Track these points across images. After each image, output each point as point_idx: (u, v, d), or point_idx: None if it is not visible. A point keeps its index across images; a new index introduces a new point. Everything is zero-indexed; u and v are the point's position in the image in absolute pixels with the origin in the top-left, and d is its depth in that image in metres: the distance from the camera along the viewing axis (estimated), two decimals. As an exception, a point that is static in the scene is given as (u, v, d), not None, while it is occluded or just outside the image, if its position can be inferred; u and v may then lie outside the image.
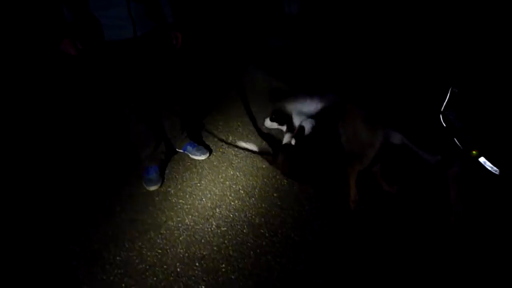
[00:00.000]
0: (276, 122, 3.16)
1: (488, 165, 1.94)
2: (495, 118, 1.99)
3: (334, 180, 2.84)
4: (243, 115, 3.61)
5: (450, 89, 2.05)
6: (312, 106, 3.00)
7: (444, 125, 2.03)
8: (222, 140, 3.37)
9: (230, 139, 3.37)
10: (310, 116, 2.97)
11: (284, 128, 3.16)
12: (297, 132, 2.93)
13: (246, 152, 3.17)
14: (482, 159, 1.95)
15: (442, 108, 2.04)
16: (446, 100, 2.03)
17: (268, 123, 3.20)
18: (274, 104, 3.41)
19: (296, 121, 2.99)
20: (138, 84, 2.61)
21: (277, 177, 2.94)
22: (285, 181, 2.89)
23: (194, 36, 4.09)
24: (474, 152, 1.95)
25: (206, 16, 5.66)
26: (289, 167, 2.84)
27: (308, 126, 2.91)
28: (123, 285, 2.32)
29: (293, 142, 2.89)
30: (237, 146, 3.24)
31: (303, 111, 3.01)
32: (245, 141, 3.15)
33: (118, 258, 2.48)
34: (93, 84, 3.59)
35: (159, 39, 2.60)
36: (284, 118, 3.03)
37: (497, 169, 1.92)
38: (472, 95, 2.05)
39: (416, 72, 3.29)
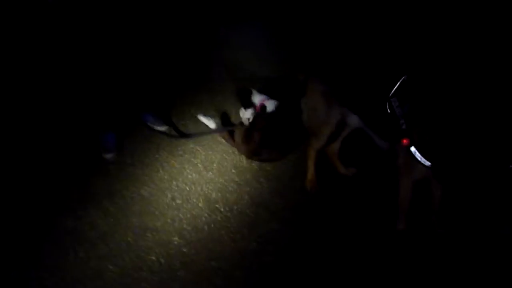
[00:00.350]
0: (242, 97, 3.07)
1: (418, 155, 1.97)
2: (432, 109, 2.03)
3: (293, 159, 2.85)
4: (211, 89, 3.54)
5: (403, 77, 2.08)
6: (274, 85, 2.98)
7: (388, 111, 2.06)
8: (183, 112, 3.29)
9: (192, 111, 3.30)
10: (273, 95, 2.93)
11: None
12: (259, 110, 2.90)
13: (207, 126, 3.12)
14: (412, 149, 1.98)
15: (390, 94, 2.07)
16: (395, 87, 2.06)
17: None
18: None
19: (257, 99, 2.95)
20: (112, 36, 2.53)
21: (236, 153, 2.93)
22: (244, 158, 2.88)
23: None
24: (404, 141, 1.99)
25: None
26: (248, 145, 2.80)
27: (270, 104, 2.88)
28: (71, 252, 2.27)
29: (249, 119, 2.84)
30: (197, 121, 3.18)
31: (266, 90, 2.97)
32: (206, 117, 3.07)
33: (68, 225, 2.42)
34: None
35: None
36: (246, 96, 2.97)
37: (426, 161, 1.96)
38: (415, 85, 2.08)
39: (380, 56, 3.34)
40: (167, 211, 2.52)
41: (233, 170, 2.80)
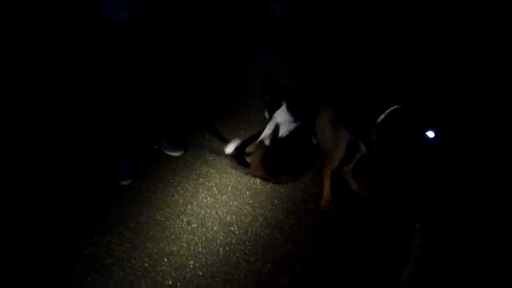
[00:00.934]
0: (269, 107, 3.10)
1: None
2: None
3: (306, 181, 2.86)
4: (222, 113, 3.61)
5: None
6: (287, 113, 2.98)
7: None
8: (197, 137, 3.35)
9: (207, 136, 3.36)
10: (288, 119, 2.94)
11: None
12: (274, 131, 2.91)
13: (221, 149, 3.16)
14: None
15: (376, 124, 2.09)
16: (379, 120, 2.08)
17: (266, 114, 3.11)
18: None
19: (280, 117, 2.96)
20: (126, 70, 2.59)
21: (250, 176, 2.94)
22: (258, 180, 2.90)
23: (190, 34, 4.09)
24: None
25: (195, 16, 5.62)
26: (263, 166, 2.82)
27: (284, 126, 2.90)
28: (89, 279, 2.30)
29: (267, 142, 2.86)
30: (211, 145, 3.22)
31: (282, 114, 2.98)
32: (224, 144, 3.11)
33: (85, 252, 2.45)
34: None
35: (154, 27, 2.63)
36: (276, 105, 2.97)
37: None
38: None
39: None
40: (183, 235, 2.53)
41: (247, 193, 2.81)
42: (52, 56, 3.43)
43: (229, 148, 3.01)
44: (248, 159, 2.94)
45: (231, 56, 4.61)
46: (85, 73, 2.70)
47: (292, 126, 2.87)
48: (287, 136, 2.83)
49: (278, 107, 2.93)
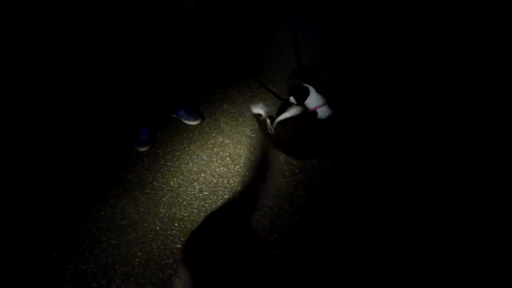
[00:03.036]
0: (298, 97, 3.04)
1: None
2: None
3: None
4: (241, 84, 3.62)
5: None
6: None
7: None
8: (215, 107, 3.39)
9: (224, 106, 3.39)
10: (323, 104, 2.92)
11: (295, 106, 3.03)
12: (311, 112, 2.90)
13: (237, 121, 3.19)
14: None
15: None
16: None
17: (291, 99, 3.10)
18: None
19: (313, 101, 2.93)
20: (143, 38, 2.62)
21: (264, 147, 2.97)
22: (271, 152, 2.92)
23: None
24: None
25: None
26: (289, 140, 2.85)
27: (323, 111, 2.88)
28: (104, 238, 2.43)
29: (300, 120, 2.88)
30: (228, 115, 3.25)
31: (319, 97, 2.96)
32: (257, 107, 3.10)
33: (102, 213, 2.58)
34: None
35: None
36: (301, 95, 2.95)
37: None
38: None
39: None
40: (194, 201, 2.61)
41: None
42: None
43: (257, 109, 3.00)
44: (272, 129, 2.95)
45: (253, 25, 4.56)
46: (106, 41, 2.73)
47: (328, 112, 2.86)
48: (323, 120, 2.83)
49: (305, 91, 2.91)
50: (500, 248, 2.22)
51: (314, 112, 2.83)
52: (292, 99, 2.97)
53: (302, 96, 2.88)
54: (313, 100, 2.85)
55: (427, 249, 2.24)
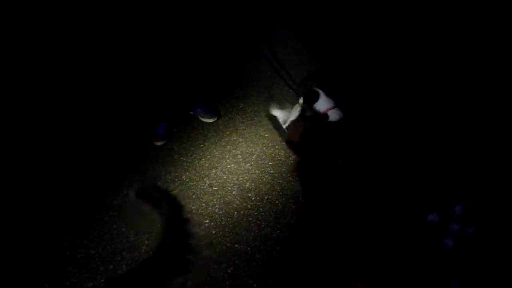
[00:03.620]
0: (307, 101, 3.08)
1: None
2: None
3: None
4: (259, 85, 3.69)
5: None
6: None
7: None
8: (232, 106, 3.47)
9: (241, 106, 3.47)
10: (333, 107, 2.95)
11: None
12: (323, 114, 2.93)
13: (252, 120, 3.26)
14: None
15: None
16: None
17: (300, 101, 3.14)
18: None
19: (323, 104, 2.96)
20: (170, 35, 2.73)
21: (276, 147, 3.04)
22: (282, 151, 2.98)
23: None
24: None
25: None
26: (300, 142, 2.84)
27: (334, 114, 2.90)
28: (115, 226, 2.55)
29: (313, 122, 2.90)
30: (245, 114, 3.33)
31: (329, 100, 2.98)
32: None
33: (114, 202, 2.69)
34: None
35: None
36: (314, 98, 2.99)
37: None
38: None
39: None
40: (203, 196, 2.70)
41: (270, 163, 2.91)
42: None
43: (277, 112, 3.07)
44: (287, 128, 3.00)
45: (272, 27, 4.61)
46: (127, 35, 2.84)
47: (336, 116, 2.89)
48: (334, 123, 2.86)
49: (314, 95, 2.94)
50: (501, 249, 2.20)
51: (325, 115, 2.86)
52: (301, 101, 3.01)
53: (311, 100, 2.91)
54: (323, 103, 2.88)
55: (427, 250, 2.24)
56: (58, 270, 2.34)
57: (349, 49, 4.13)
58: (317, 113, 2.87)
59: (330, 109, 2.83)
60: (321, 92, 2.91)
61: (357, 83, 3.61)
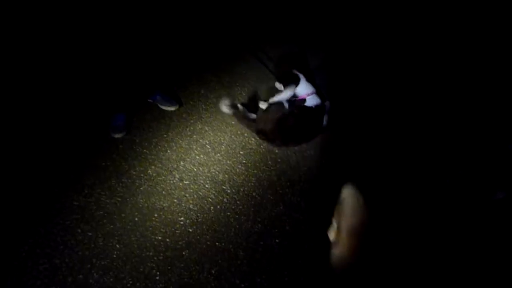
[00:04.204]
0: (283, 83, 2.92)
1: None
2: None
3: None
4: (218, 69, 3.50)
5: None
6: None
7: None
8: (192, 93, 3.26)
9: (202, 92, 3.28)
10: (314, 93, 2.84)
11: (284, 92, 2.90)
12: (299, 100, 2.81)
13: (216, 107, 3.08)
14: None
15: None
16: None
17: (278, 85, 2.99)
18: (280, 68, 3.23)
19: (303, 89, 2.84)
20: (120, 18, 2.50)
21: (245, 134, 2.90)
22: (253, 139, 2.86)
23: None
24: None
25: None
26: (276, 128, 2.73)
27: (311, 100, 2.80)
28: (79, 230, 2.31)
29: (286, 106, 2.77)
30: (206, 101, 3.15)
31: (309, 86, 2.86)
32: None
33: (75, 203, 2.44)
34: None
35: None
36: (292, 82, 2.86)
37: None
38: None
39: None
40: (174, 191, 2.52)
41: (241, 152, 2.78)
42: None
43: (225, 105, 2.92)
44: (255, 116, 2.87)
45: (236, 10, 4.40)
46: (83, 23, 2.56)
47: (317, 100, 2.78)
48: (311, 108, 2.75)
49: (293, 79, 2.83)
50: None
51: (302, 100, 2.77)
52: (279, 85, 2.89)
53: (292, 84, 2.80)
54: (303, 88, 2.79)
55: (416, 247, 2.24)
56: (19, 286, 2.07)
57: (322, 34, 4.03)
58: (295, 98, 2.77)
59: (309, 94, 2.73)
60: (301, 76, 2.80)
61: (334, 69, 3.53)
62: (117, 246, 2.23)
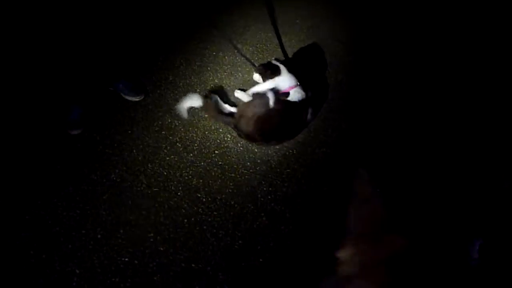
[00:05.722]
0: (262, 75, 2.60)
1: None
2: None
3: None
4: (187, 51, 3.13)
5: None
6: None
7: None
8: (160, 79, 2.90)
9: (170, 78, 2.92)
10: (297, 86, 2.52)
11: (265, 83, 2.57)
12: (282, 94, 2.50)
13: (186, 96, 2.71)
14: None
15: None
16: None
17: (256, 77, 2.66)
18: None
19: (285, 81, 2.52)
20: None
21: (220, 130, 2.61)
22: (229, 135, 2.57)
23: None
24: None
25: None
26: (257, 124, 2.40)
27: (295, 93, 2.48)
28: (31, 252, 2.01)
29: (271, 102, 2.40)
30: (177, 90, 2.81)
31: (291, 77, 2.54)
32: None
33: (27, 217, 2.12)
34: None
35: None
36: (270, 73, 2.53)
37: None
38: None
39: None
40: (142, 200, 2.23)
41: (216, 152, 2.49)
42: None
43: (192, 102, 2.60)
44: (234, 110, 2.55)
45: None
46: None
47: (301, 93, 2.48)
48: (295, 103, 2.45)
49: (274, 70, 2.51)
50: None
51: (285, 94, 2.47)
52: (257, 77, 2.58)
53: (269, 74, 2.50)
54: (286, 80, 2.48)
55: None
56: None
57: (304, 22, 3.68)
58: (277, 91, 2.46)
59: (292, 87, 2.44)
60: (282, 67, 2.49)
61: (317, 59, 3.22)
62: (77, 271, 1.95)
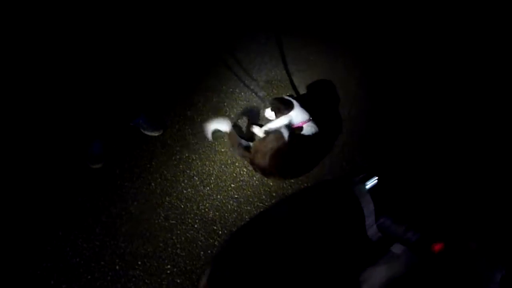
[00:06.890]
0: (275, 111, 2.69)
1: None
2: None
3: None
4: (206, 87, 3.24)
5: None
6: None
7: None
8: (179, 115, 3.00)
9: (188, 114, 3.02)
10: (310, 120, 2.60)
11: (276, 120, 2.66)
12: (296, 129, 2.57)
13: (203, 131, 2.80)
14: None
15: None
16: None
17: (268, 113, 2.75)
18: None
19: (298, 116, 2.59)
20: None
21: (236, 164, 2.67)
22: (244, 169, 2.63)
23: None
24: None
25: None
26: (274, 160, 2.44)
27: (308, 128, 2.55)
28: (52, 282, 2.04)
29: (285, 136, 2.45)
30: (194, 124, 2.90)
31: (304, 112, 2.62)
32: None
33: (48, 248, 2.17)
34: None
35: None
36: (283, 108, 2.61)
37: None
38: None
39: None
40: (159, 232, 2.27)
41: (232, 185, 2.54)
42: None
43: (220, 125, 2.66)
44: (250, 144, 2.63)
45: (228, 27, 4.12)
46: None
47: (315, 127, 2.55)
48: (309, 136, 2.51)
49: (286, 106, 2.60)
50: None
51: (299, 129, 2.54)
52: (269, 113, 2.66)
53: (282, 109, 2.58)
54: (299, 115, 2.56)
55: None
56: None
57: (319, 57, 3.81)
58: (290, 126, 2.53)
59: (305, 122, 2.51)
60: (295, 102, 2.57)
61: (328, 94, 3.32)
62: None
